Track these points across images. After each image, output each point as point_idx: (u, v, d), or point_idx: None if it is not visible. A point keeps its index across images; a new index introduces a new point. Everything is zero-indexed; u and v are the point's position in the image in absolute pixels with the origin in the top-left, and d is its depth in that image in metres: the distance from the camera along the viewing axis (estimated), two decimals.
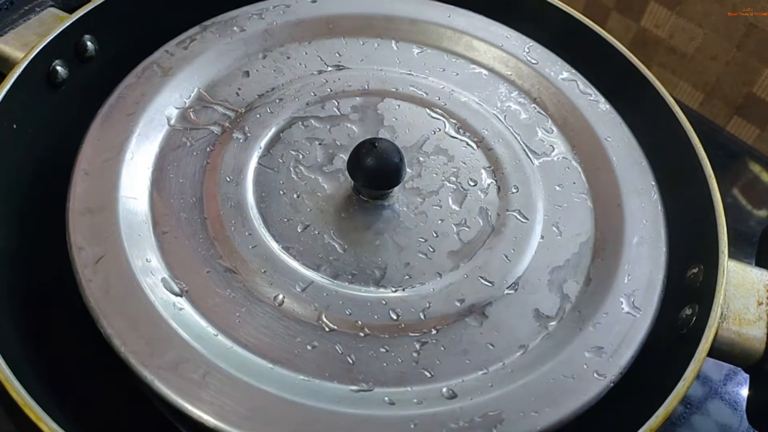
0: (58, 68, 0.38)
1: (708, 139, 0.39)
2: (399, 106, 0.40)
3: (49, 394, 0.29)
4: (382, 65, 0.41)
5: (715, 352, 0.32)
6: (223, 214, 0.34)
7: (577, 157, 0.39)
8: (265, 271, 0.32)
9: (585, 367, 0.31)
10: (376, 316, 0.32)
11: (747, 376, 0.35)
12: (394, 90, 0.40)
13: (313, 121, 0.38)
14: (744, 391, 0.46)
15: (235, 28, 0.41)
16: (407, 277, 0.33)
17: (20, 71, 0.36)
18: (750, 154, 0.65)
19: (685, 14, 0.66)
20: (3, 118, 0.34)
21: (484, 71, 0.42)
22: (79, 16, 0.38)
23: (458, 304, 0.33)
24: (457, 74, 0.42)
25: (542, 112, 0.41)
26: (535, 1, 0.46)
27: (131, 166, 0.34)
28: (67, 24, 0.38)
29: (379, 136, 0.38)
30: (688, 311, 0.33)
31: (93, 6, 0.39)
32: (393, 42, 0.43)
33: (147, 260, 0.32)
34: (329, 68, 0.41)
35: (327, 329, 0.31)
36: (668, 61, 0.70)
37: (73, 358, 0.33)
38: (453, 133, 0.39)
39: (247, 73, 0.40)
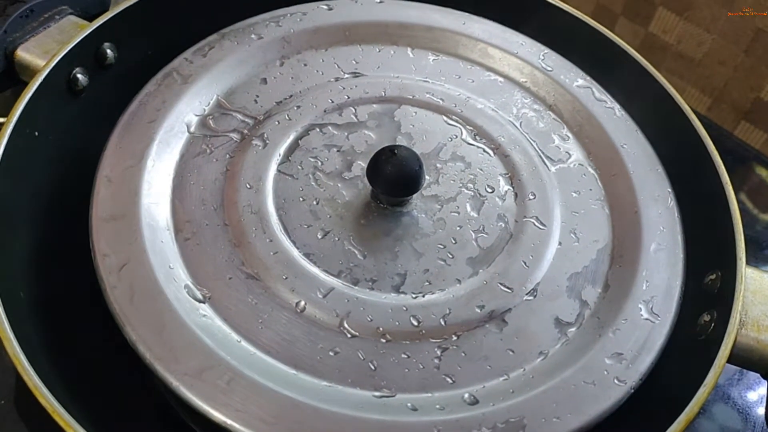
0: (79, 76, 0.38)
1: (716, 144, 0.39)
2: (416, 113, 0.40)
3: (75, 400, 0.29)
4: (398, 72, 0.42)
5: (733, 359, 0.32)
6: (243, 220, 0.34)
7: (593, 164, 0.39)
8: (286, 278, 0.33)
9: (605, 373, 0.31)
10: (396, 323, 0.32)
11: (754, 379, 0.35)
12: (411, 97, 0.40)
13: (331, 128, 0.38)
14: (750, 395, 0.46)
15: (252, 36, 0.41)
16: (427, 283, 0.34)
17: (42, 79, 0.36)
18: (757, 158, 0.65)
19: (693, 20, 0.66)
20: (25, 126, 0.35)
21: (500, 78, 0.42)
22: (98, 24, 0.39)
23: (478, 310, 0.33)
24: (473, 81, 0.42)
25: (558, 119, 0.41)
26: (546, 7, 0.46)
27: (153, 174, 0.35)
28: (87, 32, 0.38)
29: (397, 143, 0.38)
30: (706, 317, 0.34)
31: (112, 14, 0.39)
32: (409, 49, 0.43)
33: (170, 267, 0.32)
34: (346, 75, 0.41)
35: (349, 335, 0.31)
36: (676, 66, 0.70)
37: (97, 364, 0.33)
38: (470, 140, 0.39)
39: (265, 81, 0.40)
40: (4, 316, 0.29)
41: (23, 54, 0.39)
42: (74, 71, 0.38)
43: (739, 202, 0.61)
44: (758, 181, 0.65)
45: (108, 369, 0.33)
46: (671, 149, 0.40)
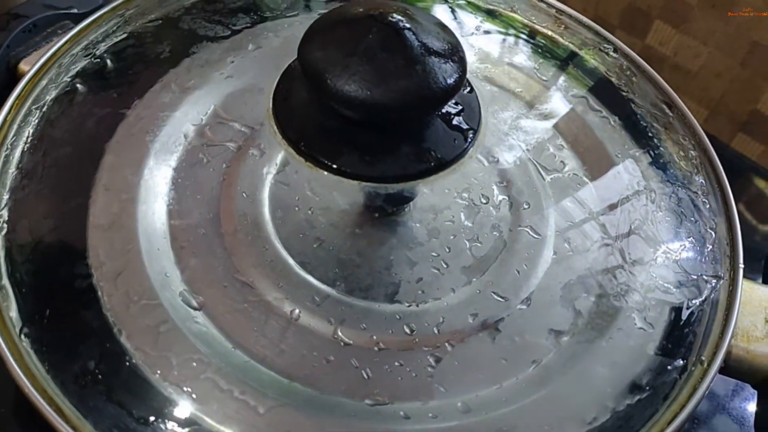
0: (78, 86, 0.39)
1: None
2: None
3: (73, 407, 0.29)
4: None
5: (724, 369, 0.32)
6: (239, 229, 0.34)
7: (588, 174, 0.39)
8: (281, 286, 0.33)
9: (598, 381, 0.31)
10: (390, 331, 0.32)
11: (753, 391, 0.35)
12: None
13: None
14: (750, 407, 0.46)
15: (250, 46, 0.41)
16: (421, 292, 0.34)
17: (40, 89, 0.37)
18: (754, 170, 0.66)
19: (690, 32, 0.67)
20: (24, 135, 0.35)
21: (495, 88, 0.43)
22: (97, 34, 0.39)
23: (471, 319, 0.33)
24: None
25: (553, 128, 0.41)
26: None
27: (150, 182, 0.35)
28: (86, 43, 0.39)
29: None
30: (698, 328, 0.34)
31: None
32: None
33: (166, 275, 0.32)
34: None
35: (342, 344, 0.32)
36: (673, 78, 0.71)
37: (93, 372, 0.33)
38: None
39: (262, 90, 0.40)
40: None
41: (26, 68, 0.39)
42: (74, 81, 0.38)
43: (737, 213, 0.61)
44: (756, 192, 0.65)
45: (104, 376, 0.33)
46: (669, 160, 0.40)
